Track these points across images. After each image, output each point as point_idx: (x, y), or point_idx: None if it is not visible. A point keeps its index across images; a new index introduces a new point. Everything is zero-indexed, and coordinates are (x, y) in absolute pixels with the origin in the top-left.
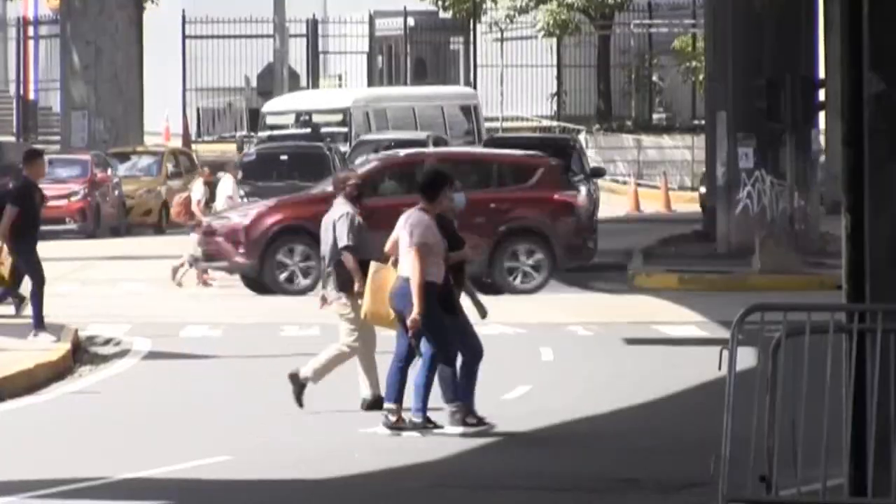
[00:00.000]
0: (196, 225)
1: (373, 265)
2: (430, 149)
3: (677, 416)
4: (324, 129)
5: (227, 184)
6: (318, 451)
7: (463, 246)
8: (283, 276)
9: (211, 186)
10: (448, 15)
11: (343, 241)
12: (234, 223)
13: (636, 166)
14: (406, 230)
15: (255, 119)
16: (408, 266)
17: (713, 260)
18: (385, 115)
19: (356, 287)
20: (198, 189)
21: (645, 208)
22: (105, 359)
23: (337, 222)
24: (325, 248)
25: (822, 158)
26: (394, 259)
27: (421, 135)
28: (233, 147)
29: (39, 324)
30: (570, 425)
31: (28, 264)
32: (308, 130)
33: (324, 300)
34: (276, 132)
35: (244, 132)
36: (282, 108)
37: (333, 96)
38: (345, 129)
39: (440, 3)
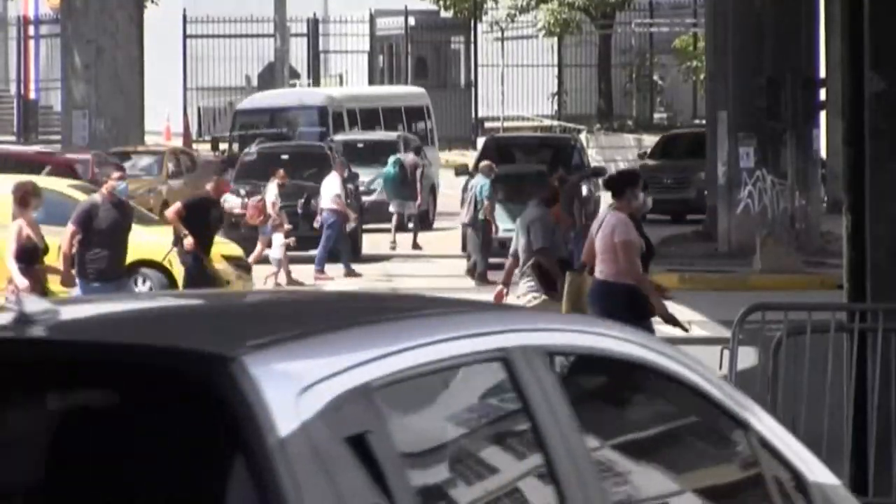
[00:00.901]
0: (278, 225)
1: (568, 275)
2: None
3: None
4: (301, 129)
5: (334, 182)
6: None
7: (653, 248)
8: None
9: (282, 188)
10: (449, 14)
11: (538, 242)
12: None
13: (637, 166)
14: (605, 231)
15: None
16: (608, 267)
17: (714, 259)
18: (356, 115)
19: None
20: (272, 191)
21: None
22: None
23: (531, 225)
24: (519, 249)
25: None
26: (590, 267)
27: (391, 135)
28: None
29: None
30: None
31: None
32: (278, 130)
33: (500, 295)
34: (248, 132)
35: (215, 132)
36: (255, 106)
37: (307, 96)
38: (321, 129)
39: (441, 2)
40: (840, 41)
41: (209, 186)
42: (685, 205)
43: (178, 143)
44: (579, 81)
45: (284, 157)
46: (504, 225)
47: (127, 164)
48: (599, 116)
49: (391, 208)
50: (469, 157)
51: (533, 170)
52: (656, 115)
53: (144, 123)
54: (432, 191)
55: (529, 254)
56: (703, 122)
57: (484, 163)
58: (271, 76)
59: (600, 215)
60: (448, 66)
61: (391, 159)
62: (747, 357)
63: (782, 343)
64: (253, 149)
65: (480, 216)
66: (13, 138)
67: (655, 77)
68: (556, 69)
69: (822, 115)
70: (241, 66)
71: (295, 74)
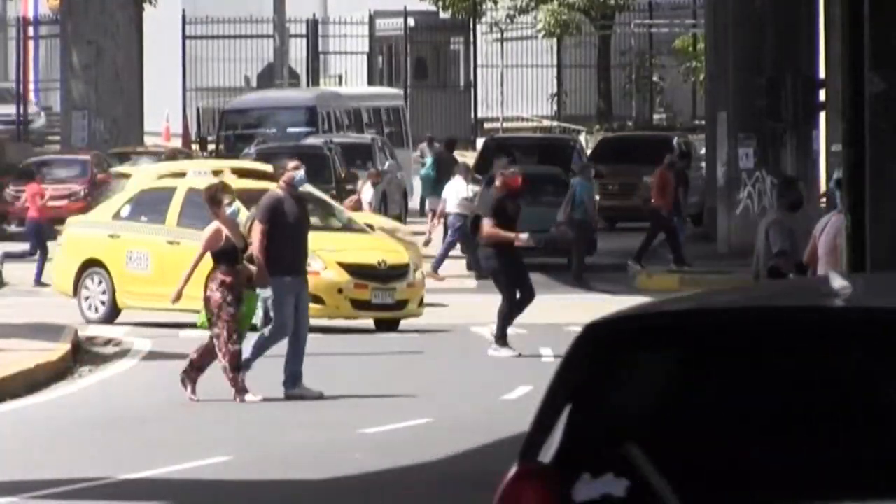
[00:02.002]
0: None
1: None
2: None
3: None
4: (290, 129)
5: (460, 186)
6: (319, 451)
7: None
8: None
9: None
10: (448, 15)
11: (776, 246)
12: None
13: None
14: (830, 233)
15: None
16: (831, 269)
17: (714, 260)
18: (344, 115)
19: None
20: (367, 191)
21: None
22: (105, 359)
23: (770, 228)
24: (759, 252)
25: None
26: (812, 269)
27: (366, 137)
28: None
29: (502, 337)
30: None
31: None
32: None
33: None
34: (234, 132)
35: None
36: (243, 107)
37: (297, 96)
38: (311, 129)
39: (440, 3)
40: (840, 42)
41: (497, 182)
42: (631, 212)
43: (177, 143)
44: (579, 82)
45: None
46: None
47: (126, 165)
48: (599, 117)
49: (427, 206)
50: (469, 158)
51: (534, 171)
52: (656, 116)
53: (144, 124)
54: (404, 194)
55: (768, 257)
56: (701, 122)
57: (585, 163)
58: (270, 77)
59: (824, 218)
60: (447, 66)
61: (428, 160)
62: None
63: None
64: (251, 149)
65: (578, 216)
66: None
67: (655, 78)
68: (555, 70)
69: (822, 115)
70: (240, 67)
71: (294, 75)
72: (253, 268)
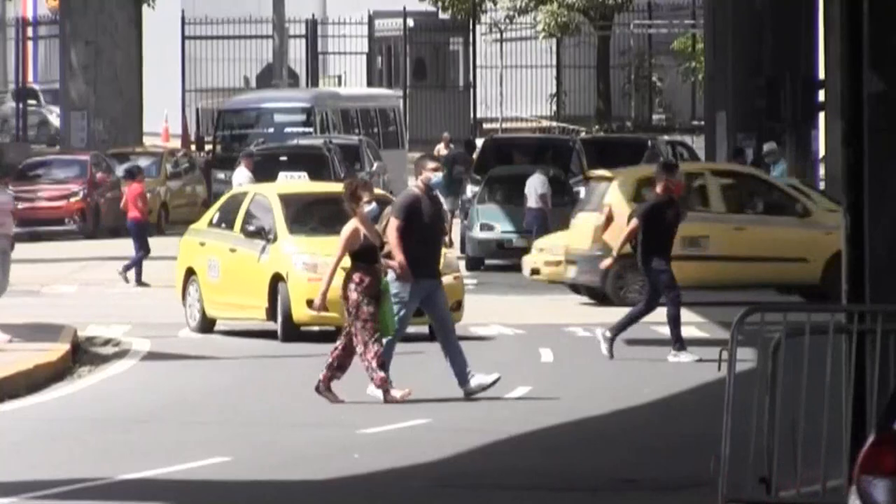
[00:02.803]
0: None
1: None
2: None
3: (677, 416)
4: (287, 129)
5: (539, 182)
6: (318, 451)
7: None
8: None
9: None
10: (448, 16)
11: None
12: None
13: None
14: None
15: None
16: None
17: None
18: (339, 115)
19: None
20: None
21: None
22: (104, 359)
23: None
24: None
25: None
26: None
27: (353, 138)
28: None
29: (679, 340)
30: (569, 425)
31: (662, 282)
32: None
33: None
34: (231, 132)
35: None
36: (241, 107)
37: (294, 96)
38: (309, 129)
39: (440, 3)
40: (839, 42)
41: (658, 187)
42: None
43: (176, 143)
44: (578, 82)
45: (283, 158)
46: (502, 227)
47: (125, 166)
48: (598, 117)
49: (446, 206)
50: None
51: (533, 172)
52: (655, 116)
53: (143, 124)
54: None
55: None
56: (700, 123)
57: (778, 148)
58: (270, 77)
59: None
60: (447, 67)
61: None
62: (746, 358)
63: (781, 344)
64: (252, 149)
65: None
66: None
67: (654, 78)
68: (554, 70)
69: (821, 115)
70: (239, 68)
71: (293, 76)
72: (393, 263)
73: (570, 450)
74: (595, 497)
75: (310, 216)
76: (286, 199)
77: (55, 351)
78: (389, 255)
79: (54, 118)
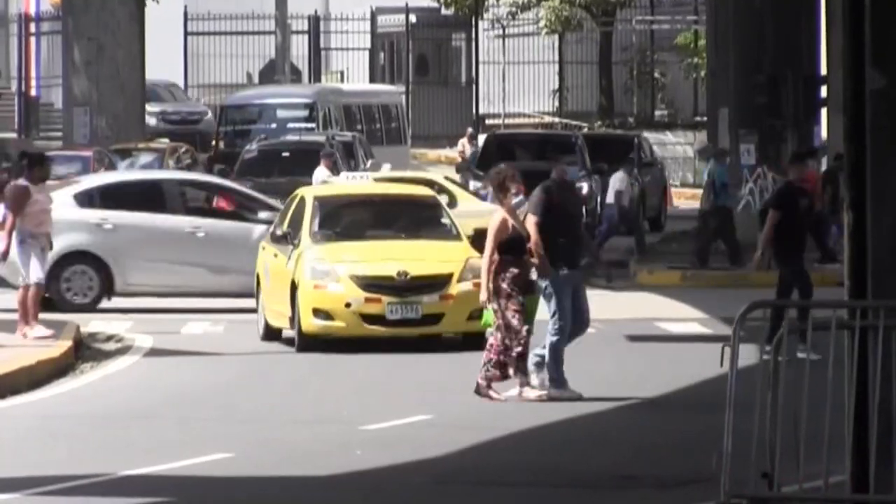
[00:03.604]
0: None
1: None
2: None
3: (679, 412)
4: (290, 125)
5: (621, 178)
6: (320, 447)
7: None
8: None
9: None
10: (450, 11)
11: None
12: None
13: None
14: None
15: None
16: None
17: (716, 256)
18: (342, 111)
19: None
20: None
21: None
22: (107, 355)
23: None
24: None
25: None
26: None
27: (347, 135)
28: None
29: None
30: (572, 421)
31: (797, 276)
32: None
33: None
34: (234, 128)
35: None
36: (244, 102)
37: (297, 91)
38: (311, 125)
39: None
40: (841, 38)
41: (791, 175)
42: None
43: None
44: (580, 78)
45: (286, 154)
46: None
47: (127, 162)
48: (600, 113)
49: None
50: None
51: (534, 168)
52: (657, 113)
53: (145, 120)
54: None
55: None
56: (703, 119)
57: (718, 147)
58: (272, 73)
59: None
60: (449, 63)
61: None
62: (748, 354)
63: (783, 340)
64: (253, 146)
65: (722, 201)
66: (14, 135)
67: (656, 74)
68: (557, 66)
69: (823, 112)
70: (242, 64)
71: (295, 72)
72: (533, 260)
73: (571, 446)
74: (596, 493)
75: (342, 220)
76: (322, 202)
77: (57, 347)
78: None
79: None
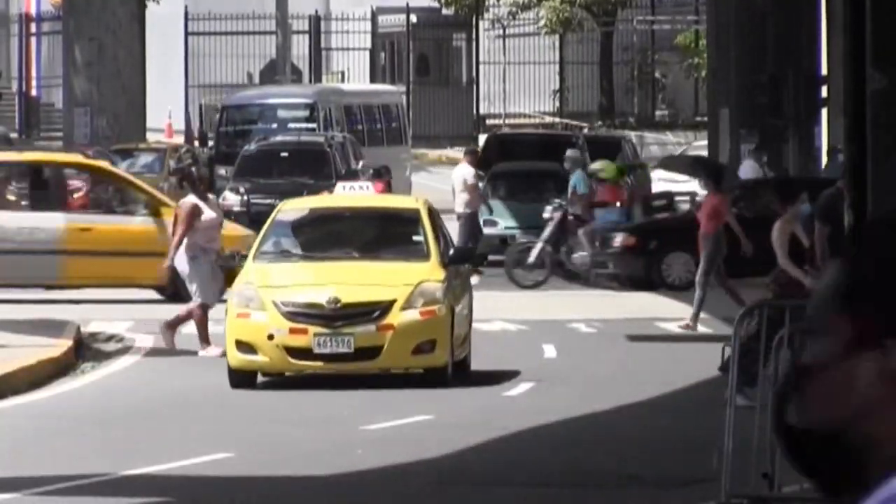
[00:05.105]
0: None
1: None
2: None
3: (679, 412)
4: (291, 125)
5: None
6: (321, 447)
7: None
8: None
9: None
10: (450, 11)
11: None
12: None
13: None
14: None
15: None
16: None
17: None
18: (342, 111)
19: None
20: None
21: None
22: (107, 355)
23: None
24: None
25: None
26: None
27: (338, 136)
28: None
29: None
30: (572, 421)
31: None
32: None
33: None
34: (236, 128)
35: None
36: (244, 102)
37: (298, 91)
38: (312, 125)
39: None
40: (842, 38)
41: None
42: None
43: (180, 140)
44: (581, 78)
45: (284, 154)
46: (505, 222)
47: (128, 162)
48: (601, 113)
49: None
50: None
51: (536, 168)
52: (658, 113)
53: (146, 120)
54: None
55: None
56: (703, 119)
57: (581, 158)
58: (273, 73)
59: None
60: (450, 63)
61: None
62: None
63: (783, 341)
64: (252, 146)
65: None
66: (15, 135)
67: (657, 74)
68: (557, 66)
69: (824, 112)
70: (242, 63)
71: (296, 72)
72: (797, 273)
73: (573, 446)
74: (598, 493)
75: (300, 237)
76: (286, 217)
77: (58, 347)
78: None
79: None
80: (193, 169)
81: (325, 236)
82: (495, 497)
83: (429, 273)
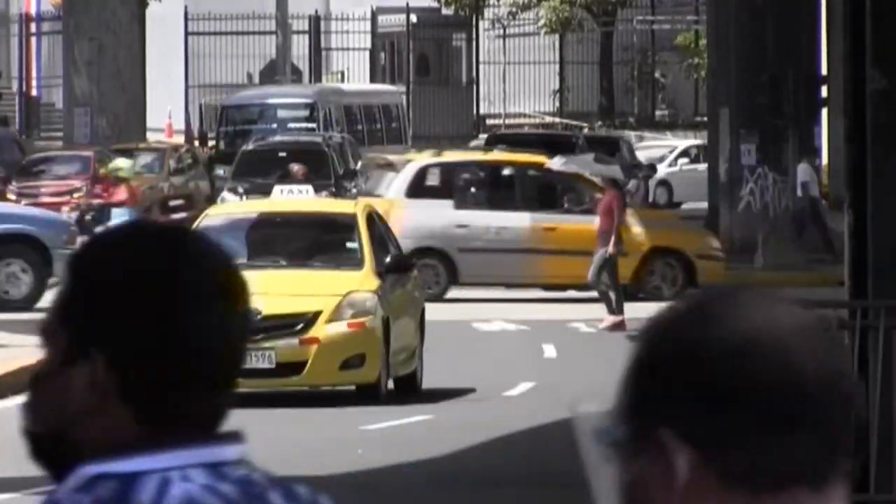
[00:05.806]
0: None
1: None
2: None
3: None
4: (291, 125)
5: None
6: (321, 447)
7: None
8: None
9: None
10: (450, 11)
11: None
12: None
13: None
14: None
15: None
16: None
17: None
18: (342, 111)
19: None
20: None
21: None
22: None
23: None
24: None
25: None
26: None
27: (336, 136)
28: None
29: None
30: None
31: None
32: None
33: None
34: (234, 128)
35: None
36: (244, 102)
37: (298, 91)
38: (312, 125)
39: None
40: (842, 38)
41: None
42: None
43: (180, 139)
44: (581, 78)
45: (282, 154)
46: None
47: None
48: (601, 113)
49: None
50: None
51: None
52: (658, 113)
53: (146, 120)
54: None
55: None
56: (703, 119)
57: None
58: (273, 73)
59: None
60: (449, 63)
61: None
62: None
63: None
64: (251, 145)
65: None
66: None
67: (657, 74)
68: (557, 66)
69: (824, 111)
70: (242, 63)
71: (296, 72)
72: None
73: (571, 447)
74: None
75: (232, 244)
76: (210, 222)
77: None
78: None
79: None
80: None
81: (253, 243)
82: (495, 497)
83: (360, 282)
